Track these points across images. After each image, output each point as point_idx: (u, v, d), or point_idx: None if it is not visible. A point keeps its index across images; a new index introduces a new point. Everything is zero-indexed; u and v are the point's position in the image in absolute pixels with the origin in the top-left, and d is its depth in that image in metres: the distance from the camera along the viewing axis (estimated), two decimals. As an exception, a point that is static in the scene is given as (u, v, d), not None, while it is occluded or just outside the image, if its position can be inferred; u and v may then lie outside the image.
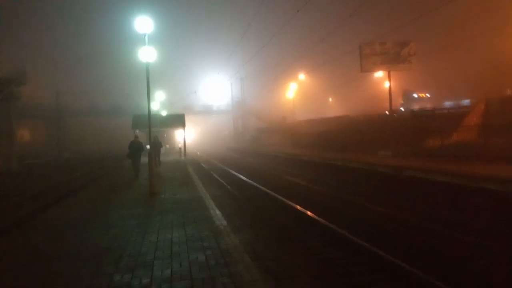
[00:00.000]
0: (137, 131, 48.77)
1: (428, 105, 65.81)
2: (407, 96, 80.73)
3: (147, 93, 21.94)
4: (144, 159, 29.77)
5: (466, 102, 60.69)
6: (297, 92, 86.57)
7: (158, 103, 57.13)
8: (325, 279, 11.77)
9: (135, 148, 27.09)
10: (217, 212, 16.02)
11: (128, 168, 34.74)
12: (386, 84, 55.52)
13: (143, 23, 20.59)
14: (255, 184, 28.79)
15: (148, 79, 21.87)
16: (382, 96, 69.89)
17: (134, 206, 17.73)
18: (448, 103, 67.39)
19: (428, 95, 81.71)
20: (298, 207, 19.77)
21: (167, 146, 56.78)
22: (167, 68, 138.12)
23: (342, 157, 35.36)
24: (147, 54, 21.52)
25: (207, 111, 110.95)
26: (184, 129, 56.77)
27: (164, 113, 59.29)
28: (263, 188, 26.61)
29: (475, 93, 67.44)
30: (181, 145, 56.54)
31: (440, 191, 20.57)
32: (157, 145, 36.03)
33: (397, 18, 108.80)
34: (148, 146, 32.53)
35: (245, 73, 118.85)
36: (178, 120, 57.61)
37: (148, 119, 22.32)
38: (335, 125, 51.97)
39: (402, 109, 68.88)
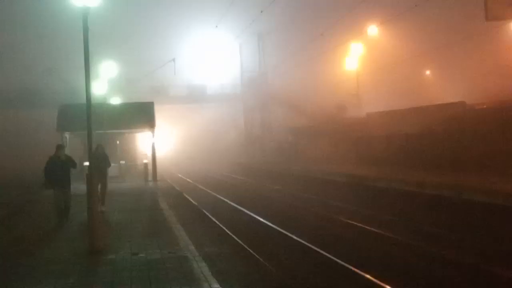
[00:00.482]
0: (65, 135, 32.75)
1: None
2: None
3: (85, 65, 11.89)
4: (78, 185, 20.27)
5: None
6: (363, 60, 51.64)
7: (106, 83, 40.74)
8: None
9: (59, 166, 16.00)
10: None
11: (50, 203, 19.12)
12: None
13: None
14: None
15: (86, 40, 11.86)
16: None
17: (58, 279, 10.14)
18: None
19: None
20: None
21: (122, 162, 36.67)
22: (130, 29, 78.48)
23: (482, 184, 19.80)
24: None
25: (196, 97, 65.19)
26: (153, 132, 35.33)
27: (116, 101, 39.71)
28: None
29: None
30: (147, 160, 36.42)
31: None
32: (101, 161, 20.36)
33: None
34: (86, 164, 21.83)
35: (265, 27, 60.26)
36: (142, 115, 35.26)
37: (86, 113, 12.08)
38: (439, 120, 29.81)
39: None
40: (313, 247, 14.25)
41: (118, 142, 36.81)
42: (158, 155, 37.52)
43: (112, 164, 23.90)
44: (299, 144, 51.19)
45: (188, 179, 42.83)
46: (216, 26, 42.15)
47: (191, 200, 27.09)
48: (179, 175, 47.71)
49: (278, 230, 17.39)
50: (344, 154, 40.13)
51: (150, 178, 35.13)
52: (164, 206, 21.12)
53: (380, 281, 10.77)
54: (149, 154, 36.86)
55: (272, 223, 18.61)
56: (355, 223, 17.98)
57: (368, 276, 11.22)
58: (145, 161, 36.74)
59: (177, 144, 78.80)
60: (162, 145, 55.50)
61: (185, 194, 29.53)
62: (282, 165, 43.65)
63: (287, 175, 37.31)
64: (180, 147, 78.73)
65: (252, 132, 63.05)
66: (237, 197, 27.80)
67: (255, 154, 60.15)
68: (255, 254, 13.73)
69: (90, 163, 12.74)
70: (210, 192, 31.95)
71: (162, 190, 28.75)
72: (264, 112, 62.47)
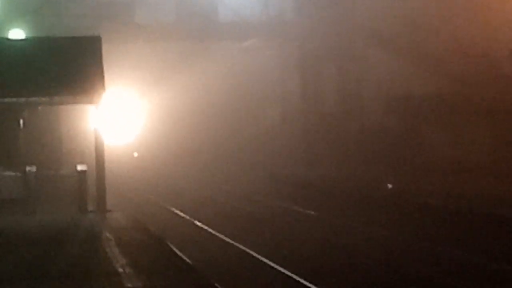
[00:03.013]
0: None
1: None
2: None
3: None
4: None
5: None
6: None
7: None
8: None
9: None
10: None
11: None
12: None
13: None
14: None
15: None
16: None
17: None
18: None
19: None
20: None
21: (30, 169, 18.81)
22: None
23: None
24: None
25: (195, 28, 30.93)
26: (98, 104, 18.63)
27: (17, 36, 24.47)
28: None
29: None
30: (82, 167, 18.75)
31: None
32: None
33: None
34: None
35: None
36: (74, 66, 18.82)
37: None
38: None
39: None
40: None
41: (21, 123, 19.55)
42: (115, 154, 25.27)
43: (7, 174, 17.80)
44: (419, 133, 26.49)
45: (181, 213, 21.92)
46: None
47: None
48: (161, 203, 24.89)
49: None
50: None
51: (91, 205, 18.75)
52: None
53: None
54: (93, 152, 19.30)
55: None
56: None
57: None
58: (80, 167, 18.60)
59: (158, 131, 38.59)
60: (125, 133, 33.53)
61: (182, 256, 12.78)
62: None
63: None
64: (163, 137, 38.78)
65: (317, 109, 32.14)
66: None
67: (325, 158, 31.35)
68: None
69: None
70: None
71: (118, 242, 14.55)
72: (344, 65, 31.01)
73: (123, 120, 33.53)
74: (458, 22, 25.83)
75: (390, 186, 22.28)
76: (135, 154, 37.70)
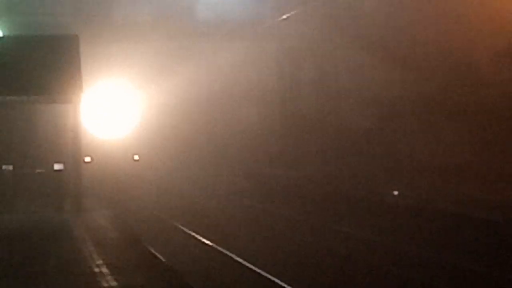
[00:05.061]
0: None
1: None
2: None
3: None
4: None
5: None
6: None
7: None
8: None
9: None
10: None
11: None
12: None
13: None
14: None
15: None
16: None
17: None
18: None
19: None
20: None
21: (6, 168, 18.98)
22: None
23: None
24: None
25: (173, 26, 31.03)
26: (79, 102, 18.87)
27: None
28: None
29: None
30: (59, 166, 18.80)
31: None
32: None
33: None
34: None
35: None
36: (50, 65, 18.39)
37: None
38: None
39: None
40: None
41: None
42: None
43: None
44: (398, 135, 26.45)
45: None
46: None
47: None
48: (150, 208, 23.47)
49: None
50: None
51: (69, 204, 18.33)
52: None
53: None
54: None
55: None
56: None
57: None
58: (57, 166, 18.72)
59: (166, 126, 36.64)
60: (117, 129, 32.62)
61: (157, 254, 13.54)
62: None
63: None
64: (171, 131, 36.59)
65: (295, 109, 32.43)
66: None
67: (304, 158, 31.17)
68: None
69: None
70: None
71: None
72: (323, 65, 31.14)
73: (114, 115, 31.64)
74: (440, 25, 25.87)
75: (395, 193, 20.41)
76: (136, 157, 33.79)
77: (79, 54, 18.27)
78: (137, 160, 33.11)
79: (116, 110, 31.72)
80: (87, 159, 23.65)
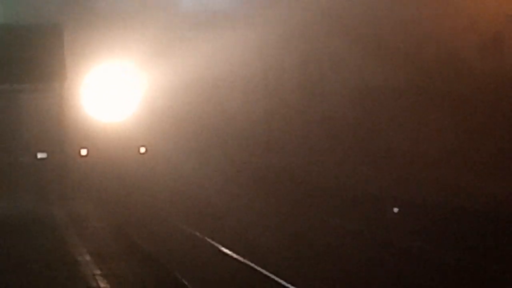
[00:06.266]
0: None
1: None
2: None
3: None
4: None
5: None
6: None
7: None
8: None
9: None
10: None
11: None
12: None
13: None
14: None
15: None
16: None
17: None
18: None
19: None
20: None
21: None
22: None
23: None
24: None
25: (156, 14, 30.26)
26: (62, 88, 19.28)
27: None
28: None
29: None
30: (42, 154, 18.83)
31: None
32: None
33: None
34: None
35: None
36: (29, 54, 18.03)
37: None
38: None
39: None
40: None
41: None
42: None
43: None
44: (380, 125, 26.85)
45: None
46: None
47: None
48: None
49: None
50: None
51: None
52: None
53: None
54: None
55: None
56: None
57: None
58: (40, 155, 19.01)
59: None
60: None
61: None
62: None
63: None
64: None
65: (278, 100, 32.80)
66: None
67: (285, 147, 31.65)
68: None
69: None
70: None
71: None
72: (307, 56, 31.77)
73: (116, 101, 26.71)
74: (426, 18, 26.02)
75: (396, 210, 19.36)
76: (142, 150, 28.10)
77: (63, 43, 18.08)
78: (144, 153, 27.37)
79: (118, 96, 27.69)
80: (83, 151, 21.88)
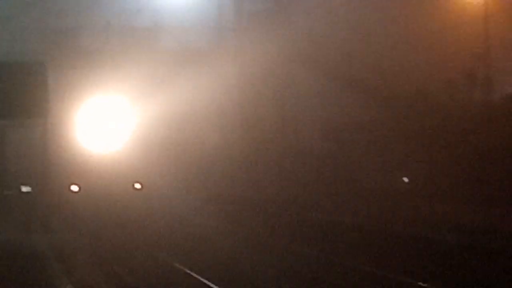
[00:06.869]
0: None
1: None
2: None
3: None
4: None
5: None
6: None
7: None
8: None
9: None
10: None
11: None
12: None
13: None
14: None
15: None
16: None
17: None
18: None
19: None
20: None
21: None
22: None
23: None
24: None
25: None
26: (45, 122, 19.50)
27: None
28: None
29: None
30: (26, 188, 19.62)
31: None
32: None
33: None
34: None
35: None
36: (14, 91, 17.55)
37: None
38: None
39: None
40: None
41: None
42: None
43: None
44: (353, 159, 27.46)
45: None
46: None
47: None
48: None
49: None
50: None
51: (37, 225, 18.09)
52: None
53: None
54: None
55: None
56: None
57: None
58: (24, 188, 18.56)
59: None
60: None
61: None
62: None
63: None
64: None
65: (255, 133, 31.85)
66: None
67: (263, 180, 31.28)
68: None
69: None
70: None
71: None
72: (282, 89, 31.57)
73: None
74: (398, 55, 26.40)
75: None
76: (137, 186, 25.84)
77: (47, 80, 18.49)
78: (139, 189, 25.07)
79: (111, 128, 26.14)
80: (74, 188, 21.01)
